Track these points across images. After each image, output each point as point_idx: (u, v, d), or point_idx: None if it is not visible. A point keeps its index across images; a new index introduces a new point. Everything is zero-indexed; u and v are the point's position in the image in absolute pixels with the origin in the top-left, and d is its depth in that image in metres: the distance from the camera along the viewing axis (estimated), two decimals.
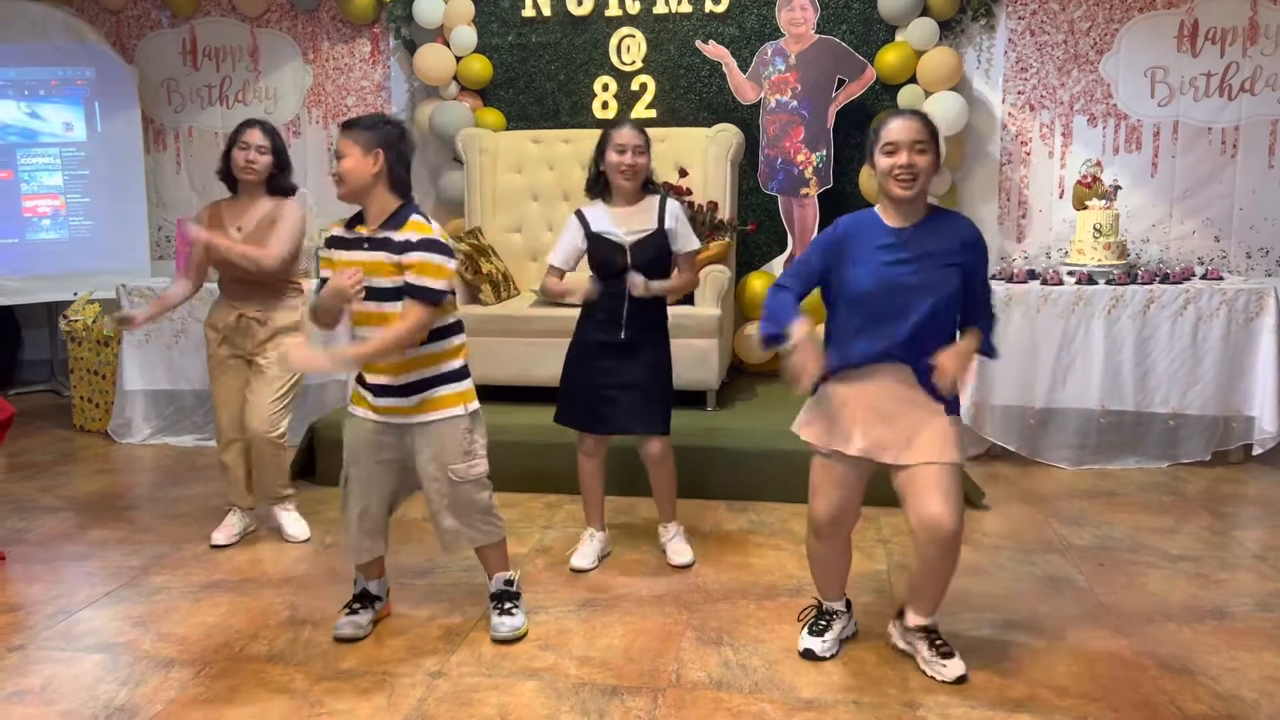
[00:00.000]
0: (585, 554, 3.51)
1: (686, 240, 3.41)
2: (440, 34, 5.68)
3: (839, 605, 2.91)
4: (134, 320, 3.56)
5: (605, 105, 5.65)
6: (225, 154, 3.65)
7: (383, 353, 2.73)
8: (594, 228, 3.38)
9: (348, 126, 2.81)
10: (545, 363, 4.49)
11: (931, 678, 2.69)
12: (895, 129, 2.58)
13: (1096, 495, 4.24)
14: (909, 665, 2.78)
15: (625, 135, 3.32)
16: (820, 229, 5.46)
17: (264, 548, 3.71)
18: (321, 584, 3.36)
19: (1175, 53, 5.26)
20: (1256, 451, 4.55)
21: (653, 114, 5.62)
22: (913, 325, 2.59)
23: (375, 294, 2.77)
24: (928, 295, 2.59)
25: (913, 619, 2.76)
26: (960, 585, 3.26)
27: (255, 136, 3.61)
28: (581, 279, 3.39)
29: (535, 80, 5.70)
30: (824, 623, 2.90)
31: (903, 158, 2.55)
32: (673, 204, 3.41)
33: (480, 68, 5.63)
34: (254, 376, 3.69)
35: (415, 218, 2.77)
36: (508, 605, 2.98)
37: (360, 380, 2.90)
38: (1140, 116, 5.33)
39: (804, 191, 5.42)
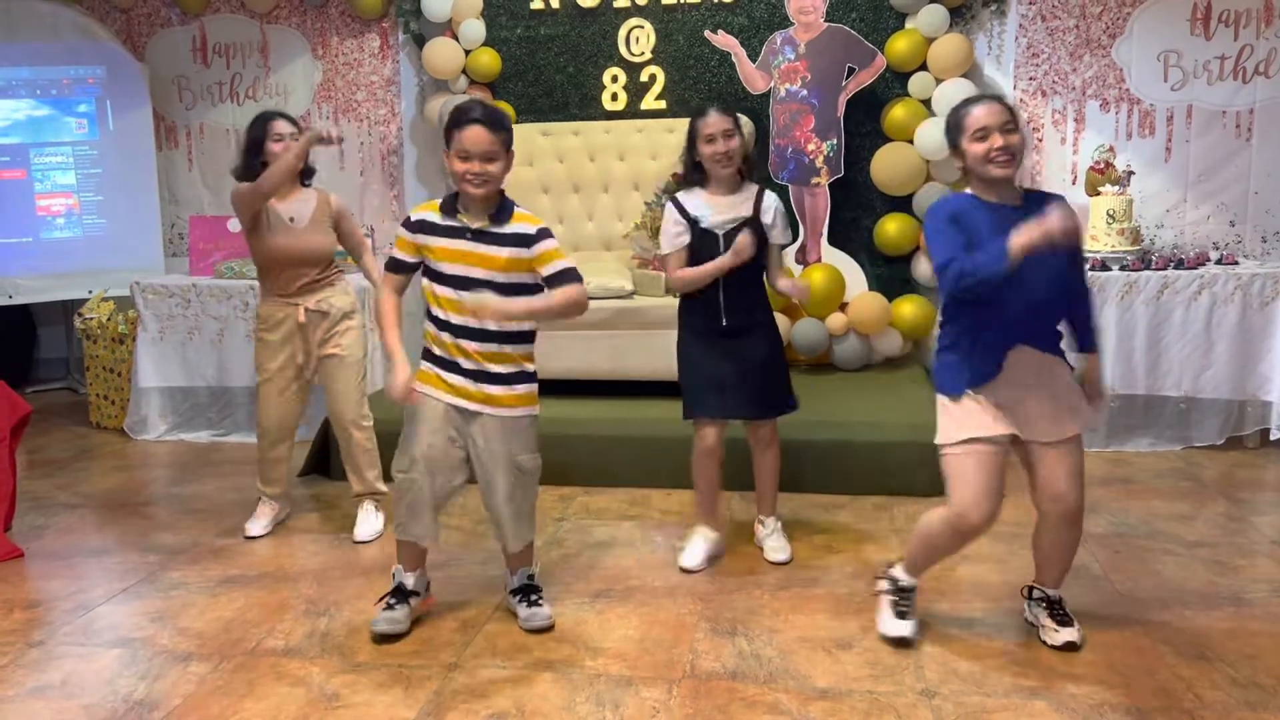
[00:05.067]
0: (694, 553, 3.40)
1: (779, 234, 3.36)
2: (449, 28, 5.67)
3: (916, 581, 2.96)
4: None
5: (615, 97, 5.64)
6: (252, 150, 3.56)
7: (553, 311, 2.79)
8: (691, 213, 3.32)
9: (497, 126, 2.72)
10: (560, 355, 4.50)
11: (1044, 642, 2.80)
12: (982, 115, 2.64)
13: (1112, 482, 4.22)
14: (925, 654, 2.77)
15: (712, 123, 3.24)
16: (831, 218, 5.48)
17: (280, 542, 3.73)
18: (338, 577, 3.38)
19: (1189, 36, 5.21)
20: (1275, 436, 4.52)
21: (662, 105, 5.60)
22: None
23: (466, 284, 2.76)
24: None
25: (1039, 590, 2.90)
26: (975, 573, 3.26)
27: (285, 126, 3.58)
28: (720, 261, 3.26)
29: (544, 73, 5.69)
30: (907, 603, 2.89)
31: (998, 140, 2.62)
32: (771, 197, 3.36)
33: (489, 61, 5.62)
34: (333, 367, 3.69)
35: (519, 210, 2.82)
36: (534, 597, 3.00)
37: (433, 359, 2.88)
38: (1153, 101, 5.28)
39: (815, 181, 5.40)
